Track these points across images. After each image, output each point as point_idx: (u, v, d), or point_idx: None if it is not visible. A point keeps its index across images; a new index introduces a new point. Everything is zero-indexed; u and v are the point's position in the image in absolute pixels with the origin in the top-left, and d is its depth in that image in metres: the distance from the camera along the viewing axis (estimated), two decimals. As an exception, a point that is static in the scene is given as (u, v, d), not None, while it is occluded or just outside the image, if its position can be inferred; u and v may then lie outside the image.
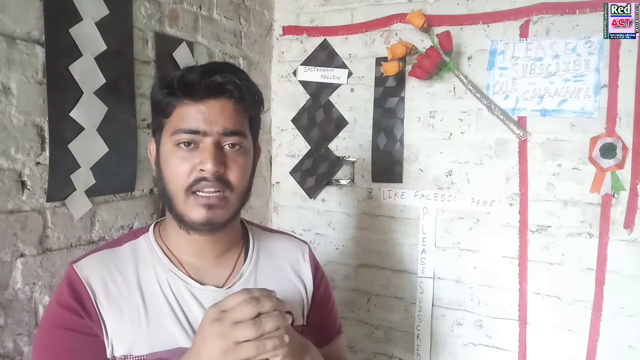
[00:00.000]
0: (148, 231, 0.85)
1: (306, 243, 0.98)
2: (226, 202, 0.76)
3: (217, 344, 0.61)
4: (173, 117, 0.75)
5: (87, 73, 1.16)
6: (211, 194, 0.74)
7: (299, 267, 0.93)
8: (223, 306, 0.63)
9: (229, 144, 0.75)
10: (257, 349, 0.60)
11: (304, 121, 1.90)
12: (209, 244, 0.81)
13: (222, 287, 0.81)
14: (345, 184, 1.84)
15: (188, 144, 0.74)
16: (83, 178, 1.17)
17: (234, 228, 0.86)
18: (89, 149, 1.18)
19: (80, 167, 1.16)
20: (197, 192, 0.74)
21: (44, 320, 0.77)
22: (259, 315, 0.61)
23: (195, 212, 0.74)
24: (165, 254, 0.81)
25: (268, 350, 0.61)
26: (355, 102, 1.80)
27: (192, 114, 0.74)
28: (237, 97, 0.76)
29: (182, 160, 0.74)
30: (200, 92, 0.74)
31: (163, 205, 1.39)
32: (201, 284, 0.80)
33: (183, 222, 0.76)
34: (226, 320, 0.61)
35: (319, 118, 1.87)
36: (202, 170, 0.73)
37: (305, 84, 1.89)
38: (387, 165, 1.75)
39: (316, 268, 0.95)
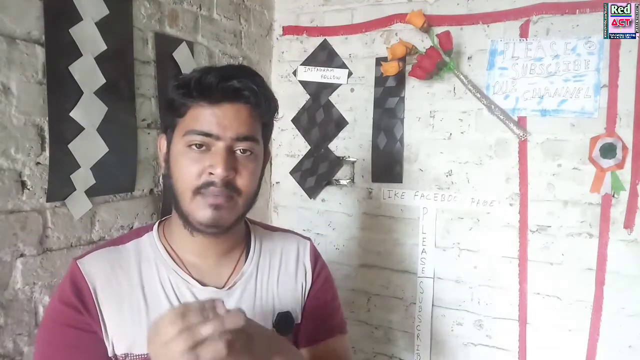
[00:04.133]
0: (152, 230, 0.85)
1: (308, 239, 0.98)
2: (234, 204, 0.76)
3: None
4: (187, 118, 0.75)
5: (87, 73, 1.16)
6: (218, 197, 0.74)
7: (299, 264, 0.92)
8: (156, 327, 0.58)
9: (240, 149, 0.75)
10: (187, 349, 0.54)
11: (304, 121, 1.90)
12: (212, 245, 0.82)
13: (223, 287, 0.82)
14: (345, 184, 1.84)
15: (199, 145, 0.74)
16: (83, 178, 1.17)
17: (238, 229, 0.86)
18: (89, 149, 1.18)
19: (80, 167, 1.16)
20: (204, 194, 0.74)
21: (46, 315, 0.78)
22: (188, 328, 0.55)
23: (202, 213, 0.74)
24: (169, 253, 0.82)
25: (201, 339, 0.55)
26: (355, 102, 1.80)
27: (206, 117, 0.73)
28: (253, 102, 0.76)
29: (192, 161, 0.74)
30: (217, 95, 0.73)
31: (164, 204, 1.39)
32: (202, 284, 0.80)
33: (188, 222, 0.76)
34: (158, 342, 0.56)
35: (319, 118, 1.87)
36: (211, 173, 0.73)
37: (305, 84, 1.89)
38: (387, 165, 1.75)
39: (315, 262, 0.94)
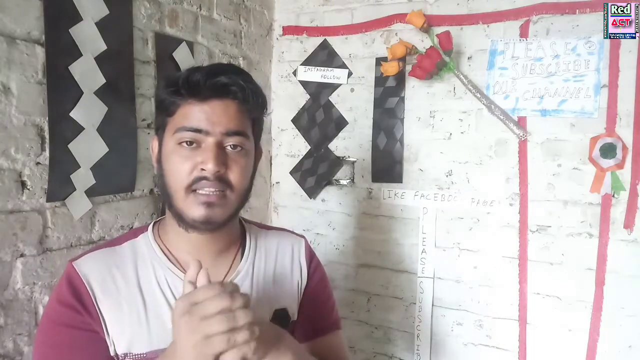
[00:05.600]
0: (147, 230, 0.85)
1: (303, 237, 0.99)
2: (226, 201, 0.76)
3: (187, 338, 0.59)
4: (176, 116, 0.76)
5: (87, 73, 1.16)
6: (211, 193, 0.74)
7: (294, 262, 0.93)
8: (193, 298, 0.61)
9: (230, 145, 0.76)
10: (227, 342, 0.58)
11: (304, 121, 1.90)
12: (207, 243, 0.82)
13: None
14: (345, 184, 1.84)
15: (190, 142, 0.74)
16: (83, 178, 1.17)
17: (233, 227, 0.86)
18: (89, 149, 1.18)
19: (80, 167, 1.16)
20: (197, 191, 0.74)
21: (44, 317, 0.78)
22: (230, 309, 0.59)
23: (195, 210, 0.74)
24: (164, 253, 0.82)
25: (239, 344, 0.59)
26: (355, 102, 1.80)
27: (196, 113, 0.74)
28: (241, 98, 0.76)
29: (183, 158, 0.74)
30: (205, 92, 0.74)
31: (163, 204, 1.39)
32: None
33: (182, 220, 0.76)
34: (195, 314, 0.59)
35: (319, 118, 1.87)
36: (202, 169, 0.73)
37: (305, 84, 1.89)
38: (387, 165, 1.75)
39: (311, 260, 0.95)
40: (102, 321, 0.74)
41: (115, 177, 1.27)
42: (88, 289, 0.75)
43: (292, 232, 0.99)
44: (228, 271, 0.84)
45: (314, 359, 0.81)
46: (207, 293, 0.60)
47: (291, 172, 1.94)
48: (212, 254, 0.83)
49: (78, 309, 0.73)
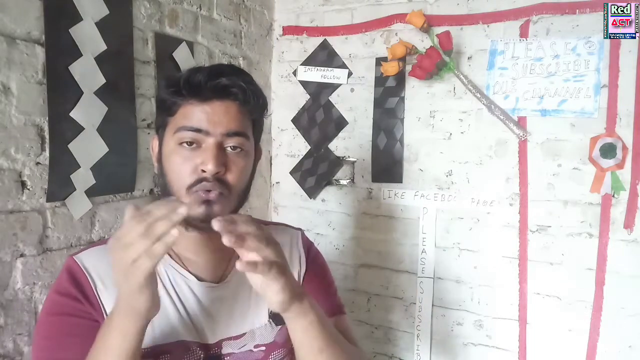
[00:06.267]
0: None
1: (300, 230, 0.99)
2: (224, 200, 0.76)
3: (118, 272, 0.60)
4: (177, 116, 0.76)
5: (87, 73, 1.16)
6: (210, 192, 0.74)
7: (293, 253, 0.93)
8: (117, 234, 0.61)
9: (230, 146, 0.76)
10: (145, 250, 0.58)
11: (304, 121, 1.90)
12: (206, 241, 0.82)
13: (219, 282, 0.83)
14: (345, 184, 1.84)
15: (190, 143, 0.74)
16: (83, 178, 1.17)
17: None
18: (89, 149, 1.18)
19: (80, 167, 1.16)
20: (197, 192, 0.74)
21: (42, 311, 0.77)
22: (146, 229, 0.58)
23: (194, 209, 0.74)
24: None
25: (157, 236, 0.58)
26: (355, 102, 1.80)
27: (197, 114, 0.74)
28: (241, 99, 0.76)
29: (184, 159, 0.74)
30: (206, 93, 0.74)
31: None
32: (199, 279, 0.81)
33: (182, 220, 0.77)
34: (118, 247, 0.59)
35: (319, 118, 1.87)
36: (202, 170, 0.74)
37: (305, 84, 1.89)
38: (387, 165, 1.75)
39: (309, 248, 0.96)
40: (103, 312, 0.74)
41: (115, 177, 1.27)
42: (89, 279, 0.75)
43: (290, 226, 1.00)
44: (227, 267, 0.85)
45: (331, 324, 0.80)
46: (127, 223, 0.59)
47: (291, 172, 1.94)
48: (211, 251, 0.84)
49: (79, 298, 0.73)
